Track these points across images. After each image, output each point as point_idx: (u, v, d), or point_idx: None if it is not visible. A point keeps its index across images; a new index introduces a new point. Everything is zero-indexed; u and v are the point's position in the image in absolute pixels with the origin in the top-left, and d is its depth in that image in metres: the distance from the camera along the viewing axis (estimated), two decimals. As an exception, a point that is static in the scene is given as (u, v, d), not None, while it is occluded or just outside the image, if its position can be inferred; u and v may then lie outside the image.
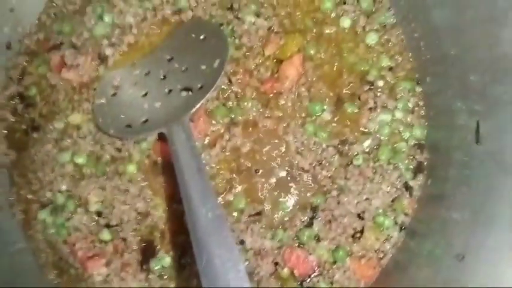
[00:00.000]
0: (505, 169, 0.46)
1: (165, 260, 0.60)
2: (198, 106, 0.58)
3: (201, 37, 0.63)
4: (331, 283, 0.57)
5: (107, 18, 0.66)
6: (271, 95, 0.62)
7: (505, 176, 0.45)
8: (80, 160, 0.63)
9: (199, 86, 0.60)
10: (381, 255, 0.58)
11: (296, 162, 0.60)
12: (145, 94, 0.62)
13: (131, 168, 0.62)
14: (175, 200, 0.61)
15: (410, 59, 0.61)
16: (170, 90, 0.61)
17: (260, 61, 0.63)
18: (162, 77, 0.63)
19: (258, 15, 0.63)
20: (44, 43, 0.68)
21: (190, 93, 0.60)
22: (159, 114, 0.59)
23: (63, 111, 0.65)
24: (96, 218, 0.61)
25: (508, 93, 0.43)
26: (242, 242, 0.58)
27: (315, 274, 0.58)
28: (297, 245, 0.59)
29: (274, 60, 0.62)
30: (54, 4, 0.68)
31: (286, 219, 0.60)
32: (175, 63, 0.63)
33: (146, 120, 0.60)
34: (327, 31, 0.63)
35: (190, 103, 0.59)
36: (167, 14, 0.66)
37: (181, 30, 0.65)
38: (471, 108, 0.52)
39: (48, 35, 0.68)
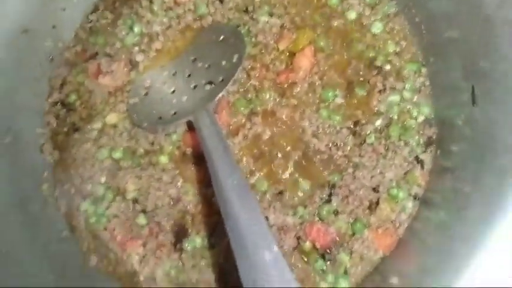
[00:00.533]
0: (503, 144, 0.49)
1: (196, 240, 0.65)
2: (220, 95, 0.65)
3: (221, 38, 0.70)
4: (351, 253, 0.61)
5: (136, 29, 0.73)
6: (287, 86, 0.67)
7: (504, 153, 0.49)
8: (117, 155, 0.69)
9: (220, 79, 0.66)
10: (397, 224, 0.61)
11: (313, 145, 0.65)
12: (174, 91, 0.69)
13: (163, 159, 0.68)
14: (203, 185, 0.66)
15: (414, 43, 0.65)
16: (195, 86, 0.67)
17: (275, 55, 0.68)
18: (187, 76, 0.69)
19: (271, 14, 0.69)
20: (81, 54, 0.76)
21: (213, 85, 0.66)
22: (186, 105, 0.66)
23: (101, 113, 0.72)
24: (133, 205, 0.67)
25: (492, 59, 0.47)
26: (266, 219, 0.62)
27: (336, 246, 0.61)
28: (317, 220, 0.63)
29: (288, 54, 0.68)
30: (89, 19, 0.76)
31: (306, 197, 0.64)
32: (199, 62, 0.69)
33: (175, 113, 0.66)
34: (335, 24, 0.68)
35: (213, 94, 0.65)
36: (189, 21, 0.73)
37: (202, 34, 0.72)
38: (472, 84, 0.55)
39: (84, 47, 0.76)
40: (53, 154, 0.73)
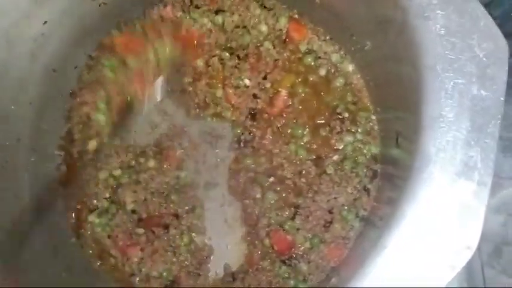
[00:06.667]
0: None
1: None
2: None
3: None
4: (309, 262, 0.75)
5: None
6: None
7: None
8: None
9: None
10: (347, 241, 0.76)
11: (280, 173, 0.80)
12: None
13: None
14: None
15: (367, 96, 0.81)
16: None
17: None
18: None
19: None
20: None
21: None
22: None
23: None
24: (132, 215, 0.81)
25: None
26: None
27: (295, 256, 0.75)
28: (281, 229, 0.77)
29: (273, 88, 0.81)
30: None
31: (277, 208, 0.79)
32: None
33: None
34: (311, 78, 0.82)
35: None
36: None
37: None
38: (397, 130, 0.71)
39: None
40: (66, 174, 0.86)
